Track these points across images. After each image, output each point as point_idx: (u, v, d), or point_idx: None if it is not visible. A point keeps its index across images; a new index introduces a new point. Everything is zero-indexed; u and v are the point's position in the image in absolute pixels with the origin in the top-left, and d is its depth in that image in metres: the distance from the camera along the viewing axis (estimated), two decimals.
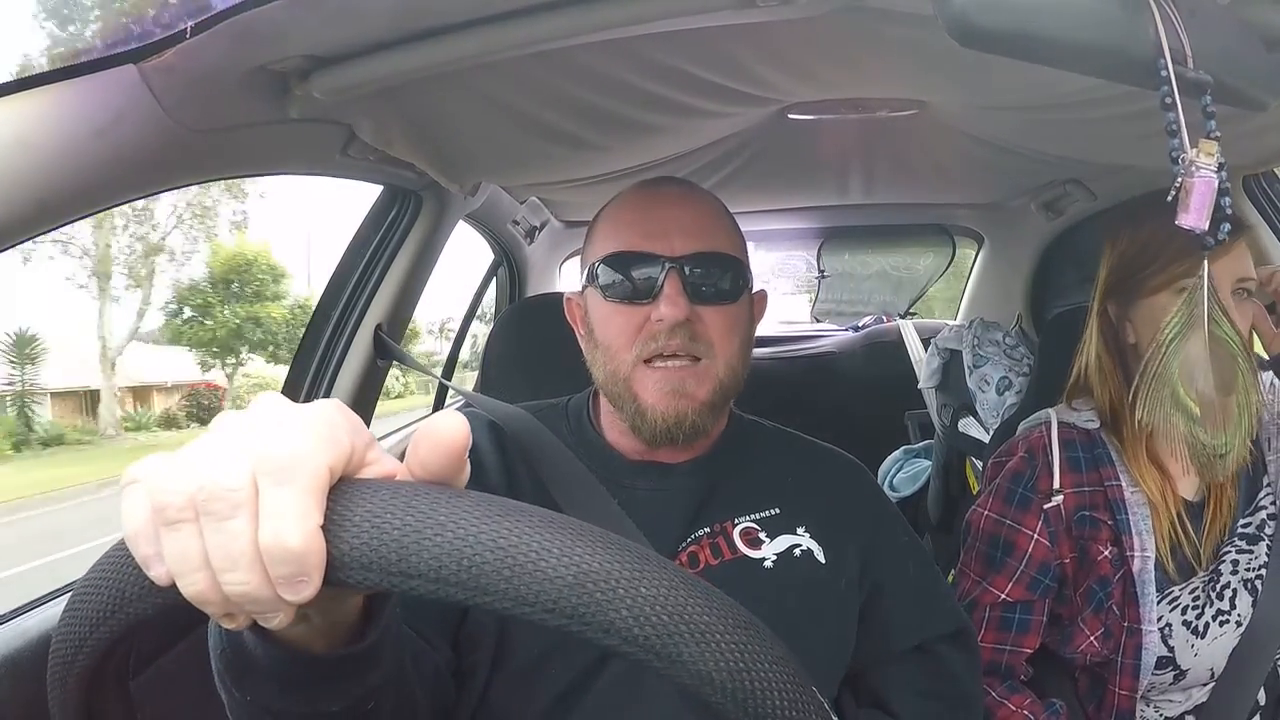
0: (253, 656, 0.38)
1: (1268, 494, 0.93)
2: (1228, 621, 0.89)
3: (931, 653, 0.80)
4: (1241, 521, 0.92)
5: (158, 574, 0.30)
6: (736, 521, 0.75)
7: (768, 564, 0.73)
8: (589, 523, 0.32)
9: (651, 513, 0.73)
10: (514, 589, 0.29)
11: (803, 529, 0.76)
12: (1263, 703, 0.92)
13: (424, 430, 0.33)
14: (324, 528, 0.30)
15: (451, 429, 0.33)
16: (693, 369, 0.72)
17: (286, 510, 0.29)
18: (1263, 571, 0.90)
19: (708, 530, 0.74)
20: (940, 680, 0.80)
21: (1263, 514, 0.92)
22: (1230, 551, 0.90)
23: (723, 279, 0.74)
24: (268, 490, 0.29)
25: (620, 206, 0.78)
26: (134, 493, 0.31)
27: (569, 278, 2.15)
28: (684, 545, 0.73)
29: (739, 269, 0.75)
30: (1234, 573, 0.90)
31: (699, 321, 0.72)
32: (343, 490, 0.31)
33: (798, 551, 0.75)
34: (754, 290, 0.81)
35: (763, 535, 0.75)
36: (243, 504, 0.29)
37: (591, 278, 0.76)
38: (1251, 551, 0.91)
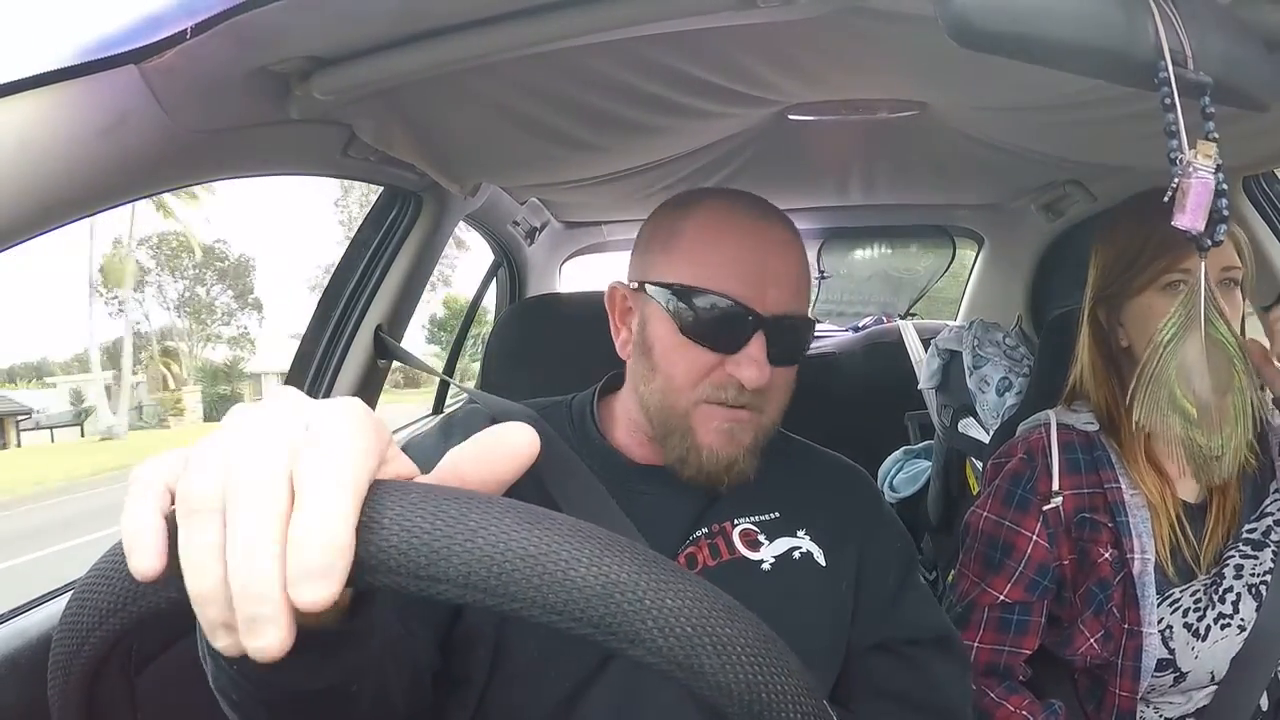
0: None
1: (1275, 500, 0.92)
2: (1229, 625, 0.89)
3: (904, 656, 0.78)
4: (1247, 527, 0.91)
5: (145, 565, 0.29)
6: (736, 523, 0.75)
7: (765, 566, 0.73)
8: (589, 524, 0.32)
9: (652, 516, 0.73)
10: (543, 597, 0.29)
11: (803, 531, 0.76)
12: (1264, 707, 0.92)
13: (494, 439, 0.33)
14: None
15: (525, 443, 0.33)
16: (746, 413, 0.71)
17: (329, 505, 0.27)
18: (1268, 577, 0.89)
19: (707, 530, 0.74)
20: (918, 685, 0.78)
21: (1269, 520, 0.91)
22: (1234, 556, 0.90)
23: (800, 341, 0.73)
24: (312, 479, 0.28)
25: (711, 227, 0.72)
26: (142, 489, 0.30)
27: (569, 279, 2.15)
28: (683, 547, 0.73)
29: (811, 330, 0.74)
30: (1238, 577, 0.89)
31: (768, 381, 0.70)
32: (372, 493, 0.30)
33: (797, 554, 0.74)
34: None
35: (761, 537, 0.75)
36: (277, 487, 0.28)
37: (661, 297, 0.71)
38: (1256, 557, 0.90)
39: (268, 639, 0.27)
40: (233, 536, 0.28)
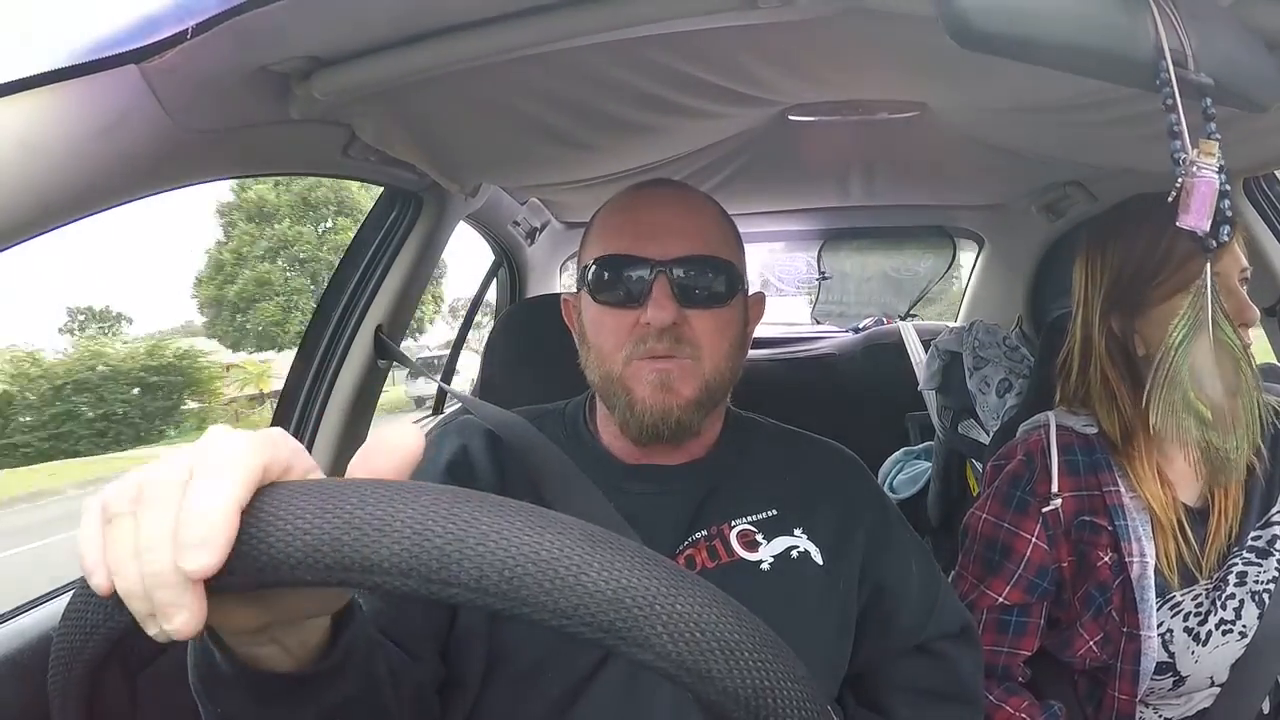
0: (225, 673, 0.40)
1: None
2: (1230, 631, 0.89)
3: (935, 653, 0.80)
4: (1252, 534, 0.91)
5: (97, 583, 0.32)
6: (733, 524, 0.75)
7: (764, 566, 0.73)
8: (598, 527, 0.32)
9: (648, 516, 0.73)
10: (554, 602, 0.29)
11: (800, 530, 0.76)
12: (1265, 710, 0.92)
13: (379, 444, 0.36)
14: (364, 533, 0.30)
15: (407, 443, 0.36)
16: (678, 363, 0.72)
17: (209, 488, 0.31)
18: (1271, 585, 0.89)
19: (705, 533, 0.74)
20: (947, 680, 0.80)
21: (1275, 528, 0.91)
22: (1237, 563, 0.90)
23: (714, 282, 0.74)
24: (198, 478, 0.32)
25: (613, 209, 0.78)
26: (91, 515, 0.33)
27: (570, 279, 2.16)
28: (681, 548, 0.73)
29: (731, 272, 0.75)
30: (1240, 584, 0.89)
31: (687, 325, 0.72)
32: (384, 494, 0.30)
33: (794, 554, 0.74)
34: (751, 293, 0.80)
35: (759, 537, 0.74)
36: (176, 487, 0.32)
37: (584, 281, 0.76)
38: (1260, 565, 0.90)
39: (177, 621, 0.31)
40: (140, 535, 0.31)
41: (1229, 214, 0.53)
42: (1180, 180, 0.52)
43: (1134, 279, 0.90)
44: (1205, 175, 0.51)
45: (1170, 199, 0.53)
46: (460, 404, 1.02)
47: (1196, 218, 0.52)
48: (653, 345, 0.71)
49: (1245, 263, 0.89)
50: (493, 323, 1.37)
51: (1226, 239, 0.54)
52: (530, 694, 0.67)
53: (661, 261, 0.72)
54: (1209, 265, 0.62)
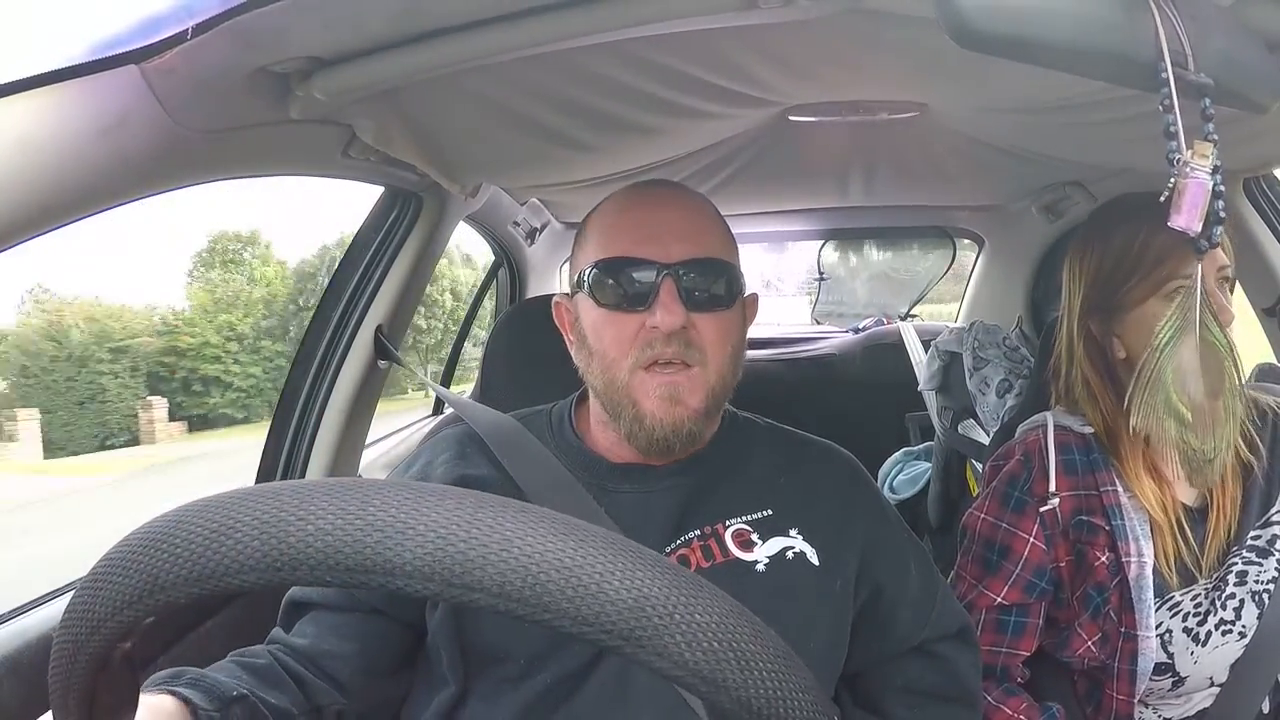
0: None
1: None
2: (1230, 632, 0.88)
3: (933, 653, 0.80)
4: (1252, 534, 0.90)
5: None
6: (728, 523, 0.74)
7: (760, 567, 0.73)
8: (620, 535, 0.33)
9: (636, 515, 0.73)
10: (575, 609, 0.29)
11: (795, 530, 0.75)
12: (1265, 710, 0.92)
13: None
14: (386, 535, 0.30)
15: None
16: (686, 374, 0.71)
17: None
18: (1271, 585, 0.89)
19: (699, 533, 0.73)
20: (945, 681, 0.80)
21: (1275, 527, 0.90)
22: (1237, 562, 0.89)
23: (717, 285, 0.73)
24: None
25: (611, 210, 0.77)
26: None
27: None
28: (673, 547, 0.73)
29: (733, 274, 0.75)
30: (1241, 584, 0.89)
31: (693, 329, 0.71)
32: (407, 497, 0.31)
33: (790, 554, 0.74)
34: (745, 294, 0.80)
35: (755, 537, 0.74)
36: None
37: (583, 284, 0.74)
38: (1261, 564, 0.89)
39: None
40: None
41: (1222, 215, 0.53)
42: (1173, 181, 0.52)
43: (1109, 282, 0.91)
44: (1197, 176, 0.51)
45: (1162, 199, 0.53)
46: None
47: (1187, 218, 0.52)
48: (660, 350, 0.70)
49: (1224, 260, 0.88)
50: (493, 323, 1.38)
51: (1219, 240, 0.54)
52: (519, 693, 0.68)
53: (667, 264, 0.71)
54: (1199, 266, 0.62)
